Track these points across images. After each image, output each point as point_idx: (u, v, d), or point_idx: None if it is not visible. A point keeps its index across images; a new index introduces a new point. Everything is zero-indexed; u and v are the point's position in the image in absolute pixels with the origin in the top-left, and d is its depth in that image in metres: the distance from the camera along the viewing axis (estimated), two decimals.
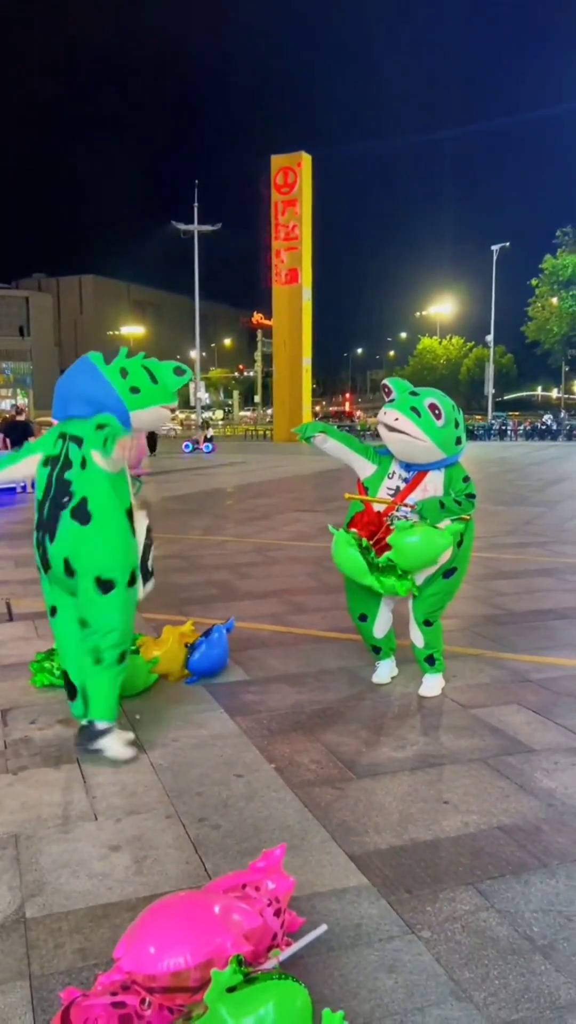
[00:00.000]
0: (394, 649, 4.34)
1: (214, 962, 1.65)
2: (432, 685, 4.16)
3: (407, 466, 3.97)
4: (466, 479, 3.98)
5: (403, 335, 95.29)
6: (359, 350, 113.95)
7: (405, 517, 3.86)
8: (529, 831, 2.80)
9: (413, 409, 3.77)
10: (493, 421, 46.39)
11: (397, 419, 3.78)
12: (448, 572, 3.96)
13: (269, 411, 52.63)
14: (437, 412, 3.78)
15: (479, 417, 53.23)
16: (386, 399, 3.93)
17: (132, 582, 3.43)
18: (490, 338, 55.23)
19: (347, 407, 71.15)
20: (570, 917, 2.33)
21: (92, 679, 3.39)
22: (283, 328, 37.50)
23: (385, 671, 4.34)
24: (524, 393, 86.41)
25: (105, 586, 3.33)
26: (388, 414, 3.81)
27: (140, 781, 3.22)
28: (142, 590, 3.58)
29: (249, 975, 1.61)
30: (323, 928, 2.00)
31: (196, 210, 43.07)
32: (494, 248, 48.59)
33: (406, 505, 3.86)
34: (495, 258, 48.53)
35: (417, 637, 4.12)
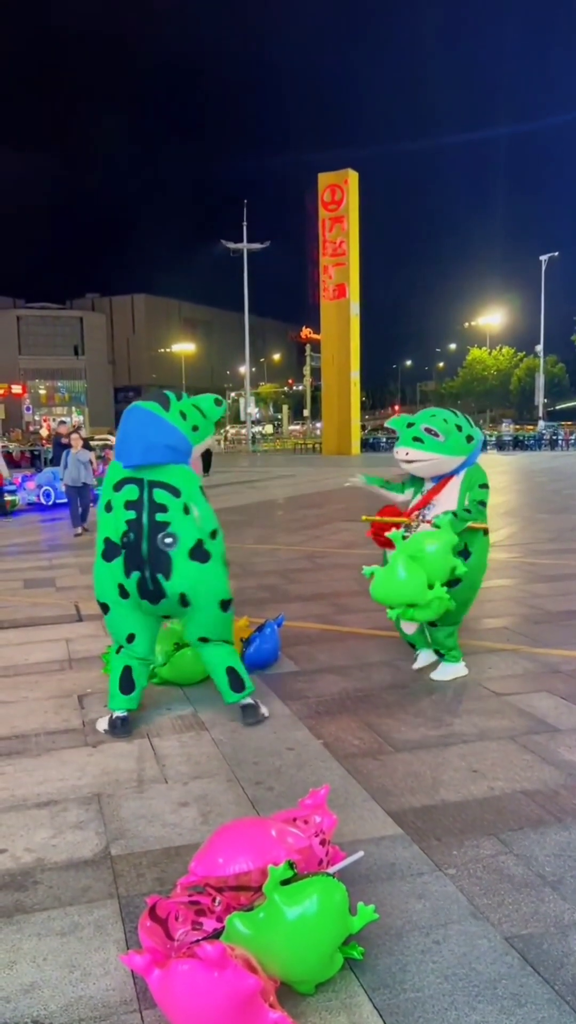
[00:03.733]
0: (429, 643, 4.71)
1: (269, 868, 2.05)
2: (443, 671, 4.59)
3: (436, 477, 4.46)
4: (483, 485, 4.40)
5: (452, 346, 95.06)
6: (408, 362, 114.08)
7: (423, 526, 4.32)
8: (548, 795, 3.15)
9: (416, 439, 4.32)
10: (544, 431, 46.08)
11: (407, 453, 4.37)
12: (452, 583, 4.18)
13: (319, 424, 53.11)
14: (434, 432, 4.30)
15: (530, 427, 52.85)
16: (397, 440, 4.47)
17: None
18: (540, 348, 54.92)
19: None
20: None
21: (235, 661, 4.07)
22: (331, 342, 37.99)
23: (424, 659, 4.77)
24: None
25: (226, 605, 3.96)
26: (399, 452, 4.41)
27: (203, 752, 3.65)
28: None
29: (298, 875, 2.02)
30: (360, 854, 2.38)
31: (245, 229, 43.98)
32: (543, 258, 48.47)
33: (425, 521, 4.33)
34: (544, 268, 48.41)
35: (427, 634, 4.58)
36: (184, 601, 3.82)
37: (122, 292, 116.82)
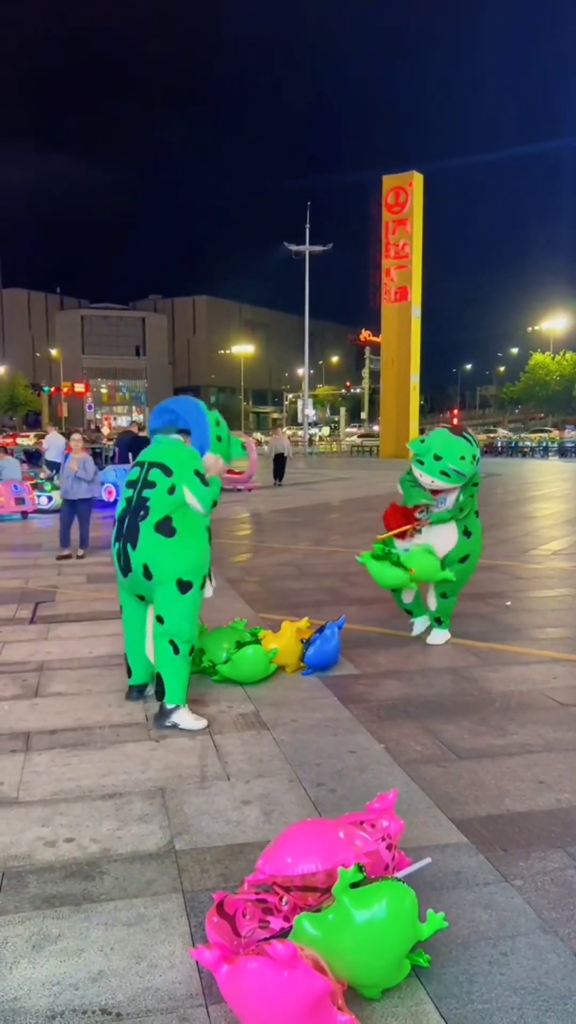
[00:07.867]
0: (425, 611, 5.54)
1: (339, 870, 2.05)
2: (437, 637, 5.43)
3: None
4: (475, 484, 5.26)
5: (514, 350, 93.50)
6: (468, 365, 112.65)
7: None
8: None
9: (443, 473, 5.05)
10: None
11: (433, 482, 5.15)
12: (463, 558, 5.25)
13: (375, 427, 52.86)
14: (460, 473, 5.05)
15: None
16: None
17: (203, 585, 4.12)
18: None
19: (454, 423, 70.51)
20: None
21: (169, 667, 4.02)
22: (391, 345, 37.79)
23: (420, 626, 5.61)
24: None
25: (184, 586, 3.98)
26: (424, 478, 5.16)
27: (265, 752, 3.66)
28: (209, 588, 4.27)
29: (367, 879, 2.01)
30: (428, 860, 2.36)
31: (308, 231, 44.08)
32: None
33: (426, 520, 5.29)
34: None
35: (432, 603, 5.43)
36: (147, 573, 3.98)
37: (184, 294, 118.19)
